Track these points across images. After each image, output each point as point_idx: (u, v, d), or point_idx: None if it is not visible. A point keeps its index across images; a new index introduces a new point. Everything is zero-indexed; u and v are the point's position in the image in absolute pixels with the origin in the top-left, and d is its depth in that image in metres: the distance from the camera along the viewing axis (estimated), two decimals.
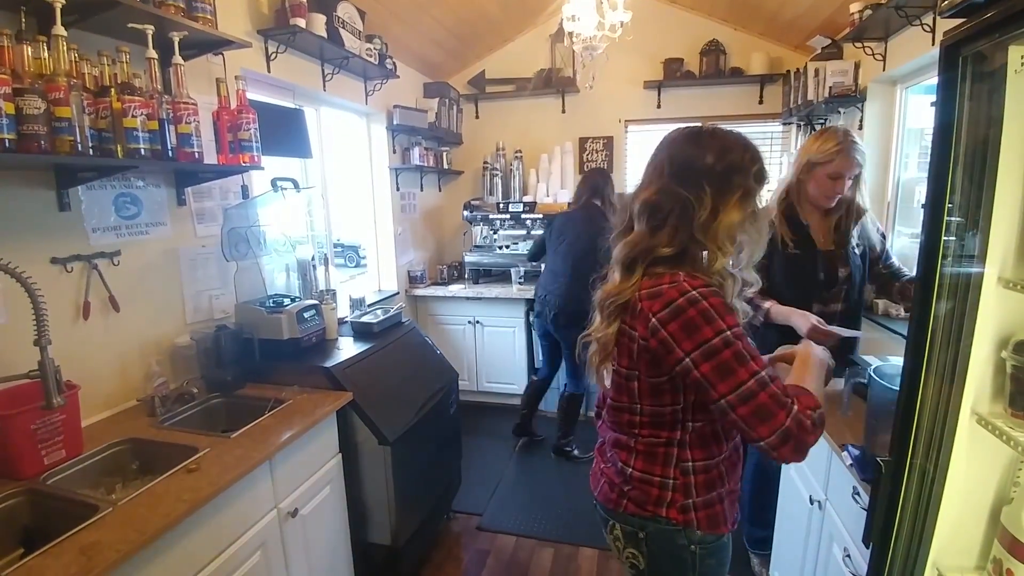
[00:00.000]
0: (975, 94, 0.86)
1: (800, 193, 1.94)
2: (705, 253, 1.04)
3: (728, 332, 0.95)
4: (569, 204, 3.35)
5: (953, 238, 0.87)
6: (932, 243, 0.87)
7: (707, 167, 1.01)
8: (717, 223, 1.00)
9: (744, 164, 1.02)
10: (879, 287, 2.18)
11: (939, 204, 0.85)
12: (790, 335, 1.81)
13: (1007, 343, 0.87)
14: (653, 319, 1.00)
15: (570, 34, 2.58)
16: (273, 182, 2.25)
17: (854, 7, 2.64)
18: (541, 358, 3.47)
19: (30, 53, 1.35)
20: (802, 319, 1.76)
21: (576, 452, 3.33)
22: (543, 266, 3.21)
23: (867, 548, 1.07)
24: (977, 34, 0.82)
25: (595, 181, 3.12)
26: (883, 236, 2.04)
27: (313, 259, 2.53)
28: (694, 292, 0.98)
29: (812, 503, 1.65)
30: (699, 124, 1.09)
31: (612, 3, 2.45)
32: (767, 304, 1.88)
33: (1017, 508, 0.90)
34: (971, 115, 0.86)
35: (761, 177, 1.04)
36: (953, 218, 0.86)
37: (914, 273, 2.00)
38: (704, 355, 0.95)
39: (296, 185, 2.30)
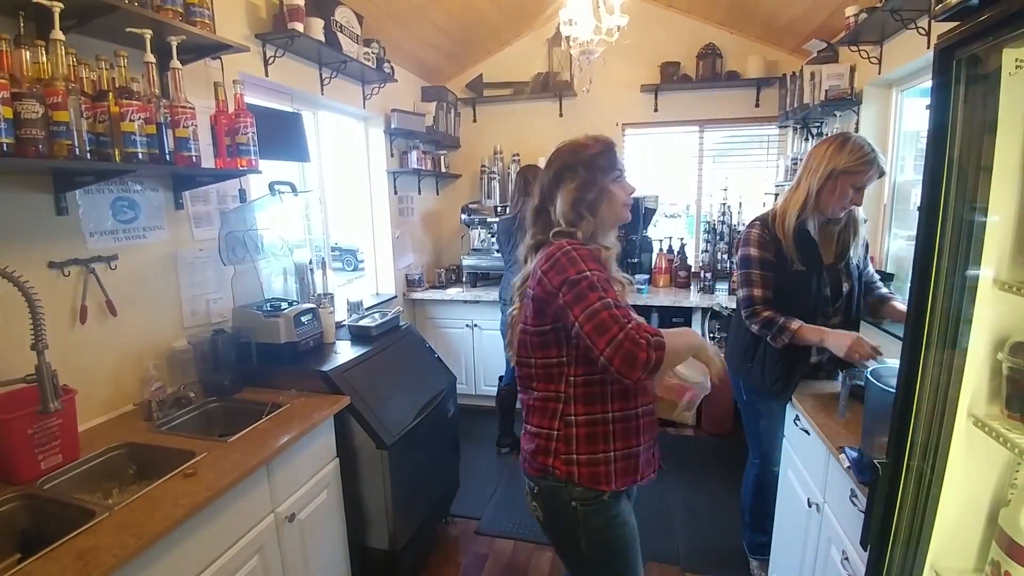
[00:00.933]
0: (969, 97, 0.87)
1: (814, 205, 1.81)
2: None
3: (587, 272, 1.16)
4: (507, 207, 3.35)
5: (949, 241, 0.87)
6: (927, 246, 0.87)
7: (548, 173, 1.32)
8: (560, 206, 1.28)
9: (573, 163, 1.29)
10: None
11: (934, 207, 0.86)
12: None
13: (1003, 345, 0.87)
14: (539, 271, 1.23)
15: (567, 38, 2.58)
16: (271, 186, 2.25)
17: (849, 11, 2.66)
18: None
19: (28, 57, 1.35)
20: (837, 339, 1.68)
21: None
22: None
23: (865, 550, 1.07)
24: (971, 37, 0.82)
25: (526, 180, 3.13)
26: (867, 247, 1.98)
27: (310, 263, 2.52)
28: (568, 247, 1.21)
29: (810, 506, 1.65)
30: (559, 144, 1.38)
31: (609, 7, 2.46)
32: (794, 325, 1.77)
33: (1014, 510, 0.91)
34: (965, 118, 0.87)
35: (593, 167, 1.28)
36: (948, 220, 0.86)
37: (886, 289, 2.00)
38: (568, 285, 1.16)
39: (294, 189, 2.30)
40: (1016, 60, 0.84)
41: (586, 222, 1.28)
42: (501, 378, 3.44)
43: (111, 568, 1.08)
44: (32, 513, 1.35)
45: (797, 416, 1.82)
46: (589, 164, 1.28)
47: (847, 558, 1.39)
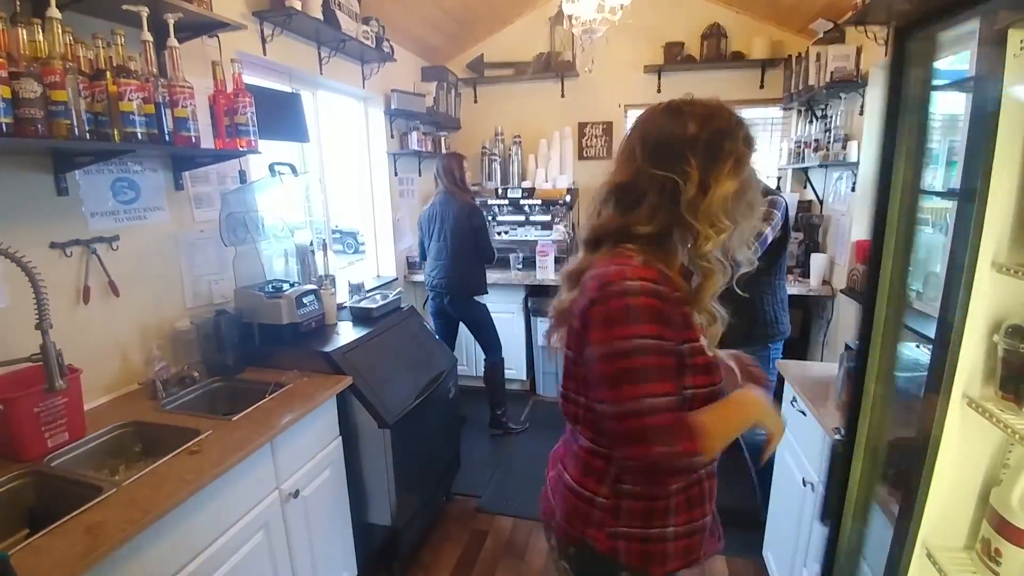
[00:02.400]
0: (975, 75, 0.86)
1: None
2: (690, 238, 0.92)
3: (643, 341, 0.84)
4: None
5: (945, 222, 0.87)
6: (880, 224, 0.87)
7: (691, 138, 0.88)
8: (709, 198, 0.88)
9: (732, 128, 0.90)
10: None
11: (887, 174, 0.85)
12: None
13: (999, 327, 0.88)
14: (587, 298, 0.90)
15: (570, 17, 2.55)
16: (271, 167, 2.25)
17: None
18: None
19: (25, 36, 1.34)
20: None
21: (512, 425, 3.46)
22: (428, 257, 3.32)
23: (824, 525, 1.09)
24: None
25: (448, 166, 3.20)
26: None
27: (311, 244, 2.52)
28: (635, 283, 0.85)
29: (805, 485, 1.68)
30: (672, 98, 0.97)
31: None
32: None
33: (1005, 489, 0.92)
34: (975, 99, 0.86)
35: (750, 141, 0.92)
36: (947, 202, 0.86)
37: None
38: (602, 351, 0.86)
39: (294, 170, 2.30)
40: (1021, 41, 0.83)
41: (728, 229, 0.90)
42: (484, 360, 3.45)
43: (119, 542, 1.11)
44: (39, 490, 1.37)
45: (795, 397, 1.84)
46: (746, 138, 0.92)
47: None
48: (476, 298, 3.30)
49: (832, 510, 1.19)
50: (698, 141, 0.89)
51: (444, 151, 4.15)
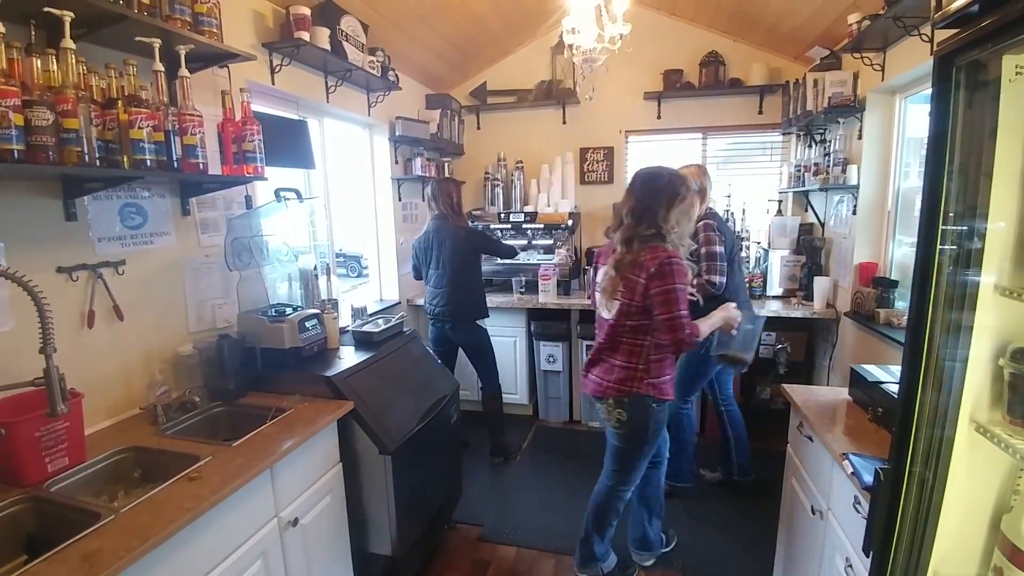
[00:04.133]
0: (970, 104, 0.87)
1: None
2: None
3: (677, 286, 1.81)
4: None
5: (949, 247, 0.88)
6: (927, 252, 0.88)
7: (662, 187, 1.92)
8: (668, 216, 1.89)
9: (679, 185, 1.92)
10: None
11: (934, 214, 0.86)
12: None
13: (1004, 351, 0.87)
14: (652, 268, 1.83)
15: (570, 46, 2.60)
16: (276, 192, 2.27)
17: (852, 18, 2.67)
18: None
19: (39, 65, 1.38)
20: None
21: (510, 452, 3.45)
22: (430, 282, 3.27)
23: (867, 557, 1.07)
24: (971, 44, 0.83)
25: (448, 190, 3.19)
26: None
27: (315, 269, 2.54)
28: (674, 258, 1.84)
29: (814, 513, 1.64)
30: (658, 167, 1.99)
31: (612, 16, 2.48)
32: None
33: (1017, 516, 0.90)
34: (965, 125, 0.87)
35: (690, 189, 1.97)
36: (949, 227, 0.87)
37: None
38: (664, 292, 1.81)
39: (299, 195, 2.32)
40: (1016, 67, 0.85)
41: (681, 227, 1.92)
42: (482, 388, 3.43)
43: (116, 570, 1.09)
44: (38, 515, 1.36)
45: (801, 423, 1.82)
46: (686, 188, 1.94)
47: (851, 565, 1.38)
48: (478, 322, 3.29)
49: (876, 540, 1.12)
50: (664, 190, 1.92)
51: (448, 176, 4.21)
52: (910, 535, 0.98)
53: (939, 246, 0.86)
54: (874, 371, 1.74)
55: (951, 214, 0.86)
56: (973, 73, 0.86)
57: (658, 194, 1.88)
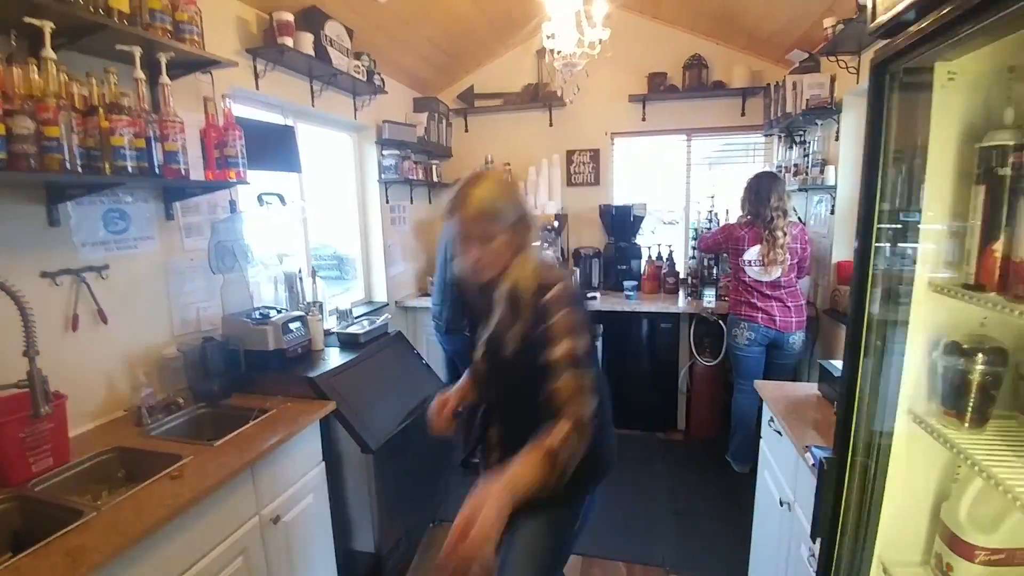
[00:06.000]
0: (904, 108, 0.92)
1: None
2: None
3: None
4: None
5: (886, 245, 0.92)
6: (864, 250, 0.92)
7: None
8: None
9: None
10: None
11: (870, 214, 0.91)
12: None
13: (938, 345, 0.92)
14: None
15: (551, 51, 2.65)
16: (259, 197, 2.31)
17: (827, 22, 2.72)
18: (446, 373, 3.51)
19: (20, 75, 1.41)
20: None
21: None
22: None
23: (813, 543, 1.11)
24: (903, 51, 0.87)
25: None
26: None
27: (299, 271, 2.57)
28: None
29: (781, 505, 1.69)
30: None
31: (591, 21, 2.53)
32: None
33: (954, 504, 0.95)
34: (900, 128, 0.92)
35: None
36: (885, 225, 0.91)
37: None
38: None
39: (282, 199, 2.36)
40: (948, 72, 0.89)
41: None
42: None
43: (98, 565, 1.13)
44: (23, 514, 1.39)
45: (772, 418, 1.86)
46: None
47: (814, 555, 1.42)
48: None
49: (823, 527, 1.17)
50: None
51: (436, 179, 4.24)
52: (855, 522, 1.02)
53: (875, 244, 0.91)
54: (841, 366, 1.79)
55: (887, 213, 0.91)
56: (907, 79, 0.91)
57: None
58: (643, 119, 4.11)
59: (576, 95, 3.60)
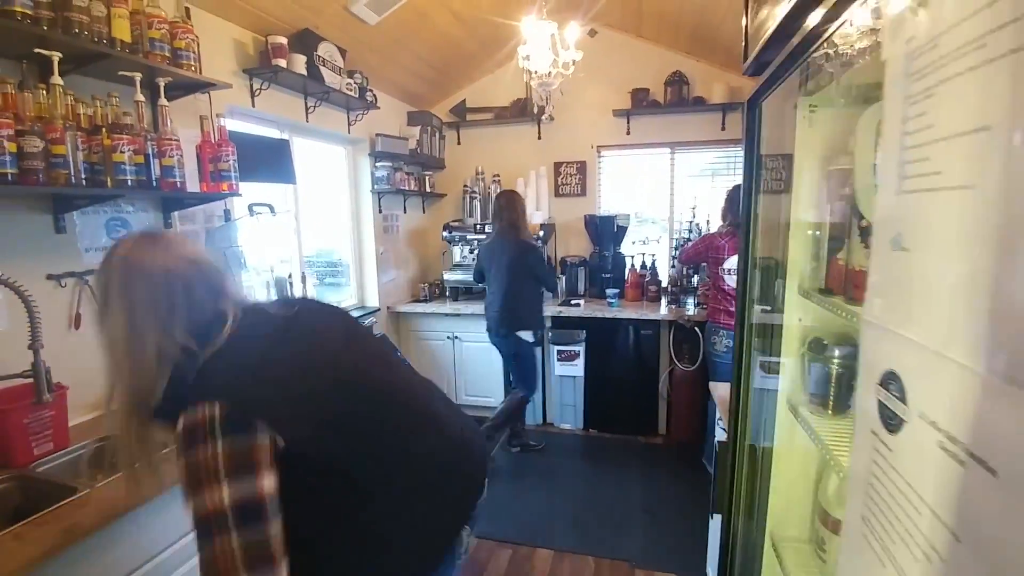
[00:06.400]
0: (772, 135, 1.07)
1: None
2: None
3: None
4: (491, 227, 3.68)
5: (761, 257, 1.07)
6: (746, 260, 1.07)
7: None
8: None
9: None
10: None
11: (749, 228, 1.05)
12: None
13: (805, 342, 1.06)
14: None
15: (526, 71, 2.82)
16: (250, 207, 2.48)
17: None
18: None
19: (30, 99, 1.59)
20: None
21: (533, 443, 3.71)
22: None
23: (712, 518, 1.25)
24: (765, 89, 1.03)
25: (513, 202, 3.43)
26: None
27: (290, 276, 2.74)
28: None
29: None
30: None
31: (564, 43, 2.69)
32: None
33: (824, 483, 1.08)
34: (771, 152, 1.07)
35: None
36: (758, 239, 1.06)
37: None
38: None
39: (272, 209, 2.53)
40: (809, 106, 1.04)
41: None
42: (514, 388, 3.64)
43: (89, 532, 1.29)
44: (25, 492, 1.55)
45: (720, 416, 2.00)
46: None
47: None
48: (520, 334, 3.41)
49: (721, 502, 1.33)
50: None
51: (429, 189, 4.42)
52: (748, 500, 1.16)
53: (753, 255, 1.05)
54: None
55: (758, 229, 1.05)
56: (774, 111, 1.06)
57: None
58: (628, 133, 4.27)
59: (563, 110, 3.78)
